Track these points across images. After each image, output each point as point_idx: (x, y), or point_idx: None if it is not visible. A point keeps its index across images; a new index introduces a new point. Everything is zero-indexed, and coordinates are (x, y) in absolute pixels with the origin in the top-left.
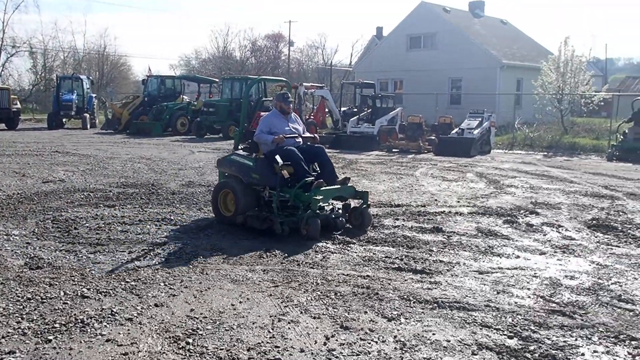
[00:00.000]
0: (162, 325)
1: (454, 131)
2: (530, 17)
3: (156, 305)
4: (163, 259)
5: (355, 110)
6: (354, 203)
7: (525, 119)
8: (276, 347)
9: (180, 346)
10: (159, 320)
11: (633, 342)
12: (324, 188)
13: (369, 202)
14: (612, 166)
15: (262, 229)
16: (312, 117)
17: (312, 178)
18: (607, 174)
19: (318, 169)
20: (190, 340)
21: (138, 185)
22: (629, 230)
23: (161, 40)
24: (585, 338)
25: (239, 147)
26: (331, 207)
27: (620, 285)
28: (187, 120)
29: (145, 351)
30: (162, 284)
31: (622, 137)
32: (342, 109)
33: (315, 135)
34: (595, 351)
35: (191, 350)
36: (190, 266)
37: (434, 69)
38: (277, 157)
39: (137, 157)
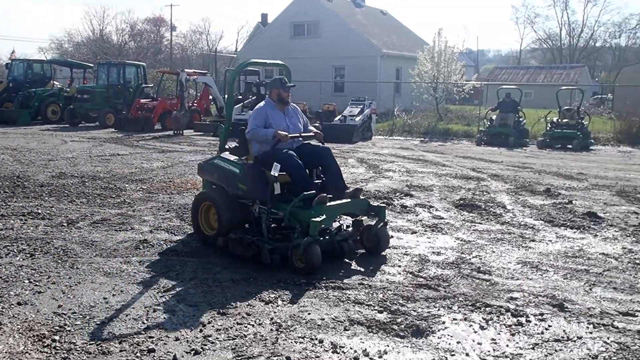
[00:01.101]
0: (26, 324)
1: (337, 118)
2: (408, 8)
3: (19, 303)
4: (28, 255)
5: (240, 97)
6: (368, 220)
7: (404, 106)
8: (150, 337)
9: (46, 344)
10: (22, 319)
11: (487, 309)
12: (328, 204)
13: (386, 219)
14: (480, 150)
15: (246, 256)
16: (195, 104)
17: (314, 192)
18: (475, 157)
19: (322, 176)
20: (57, 338)
21: (1, 177)
22: (490, 208)
23: (29, 21)
24: (446, 308)
25: (225, 148)
26: (338, 224)
27: (480, 258)
28: (59, 107)
29: (6, 352)
30: (26, 281)
31: (489, 123)
32: (227, 96)
33: (318, 131)
34: (454, 319)
35: (57, 348)
36: (59, 261)
37: (318, 56)
38: (275, 166)
39: (1, 147)
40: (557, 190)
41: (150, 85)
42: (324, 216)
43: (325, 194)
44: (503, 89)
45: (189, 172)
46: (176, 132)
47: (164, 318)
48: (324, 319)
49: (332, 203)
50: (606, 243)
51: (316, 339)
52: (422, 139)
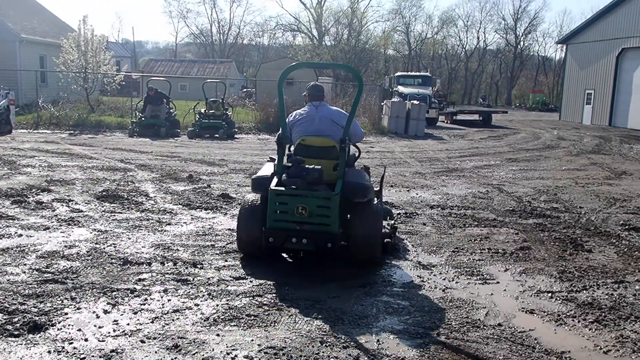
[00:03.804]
0: None
1: None
2: None
3: None
4: None
5: None
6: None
7: (52, 97)
8: None
9: None
10: None
11: (114, 293)
12: None
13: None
14: (132, 141)
15: None
16: None
17: None
18: (126, 148)
19: None
20: None
21: None
22: (133, 198)
23: None
24: (71, 299)
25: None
26: None
27: (115, 246)
28: None
29: None
30: None
31: (140, 114)
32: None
33: None
34: (78, 308)
35: None
36: None
37: None
38: None
39: None
40: (199, 176)
41: None
42: None
43: None
44: (152, 80)
45: None
46: None
47: None
48: None
49: None
50: (233, 220)
51: None
52: (72, 131)
